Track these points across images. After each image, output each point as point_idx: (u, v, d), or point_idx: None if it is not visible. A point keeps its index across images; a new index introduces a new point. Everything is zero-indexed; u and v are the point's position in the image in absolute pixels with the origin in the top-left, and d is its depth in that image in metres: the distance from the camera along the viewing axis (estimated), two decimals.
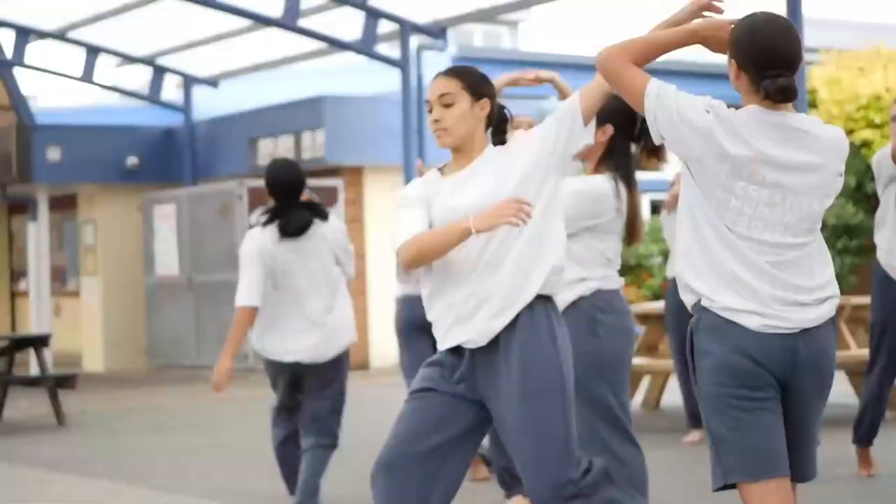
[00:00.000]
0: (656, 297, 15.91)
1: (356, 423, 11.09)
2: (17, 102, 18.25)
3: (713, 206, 3.72)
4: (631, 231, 5.31)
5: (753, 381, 3.68)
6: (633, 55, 3.80)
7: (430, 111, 4.25)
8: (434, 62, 19.04)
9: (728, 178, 3.69)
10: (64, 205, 20.06)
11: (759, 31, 3.71)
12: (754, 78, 3.70)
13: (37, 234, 18.79)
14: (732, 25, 3.78)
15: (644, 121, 3.87)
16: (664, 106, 3.71)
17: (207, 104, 19.20)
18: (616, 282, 5.26)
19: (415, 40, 15.57)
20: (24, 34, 17.16)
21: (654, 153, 5.20)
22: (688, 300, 3.83)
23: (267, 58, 18.32)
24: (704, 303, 3.75)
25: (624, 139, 5.25)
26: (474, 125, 4.26)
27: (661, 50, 3.84)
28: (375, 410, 12.02)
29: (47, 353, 12.89)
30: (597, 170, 5.27)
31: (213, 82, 18.86)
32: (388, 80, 16.42)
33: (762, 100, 3.71)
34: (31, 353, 16.58)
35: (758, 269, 3.69)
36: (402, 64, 15.20)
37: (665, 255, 15.53)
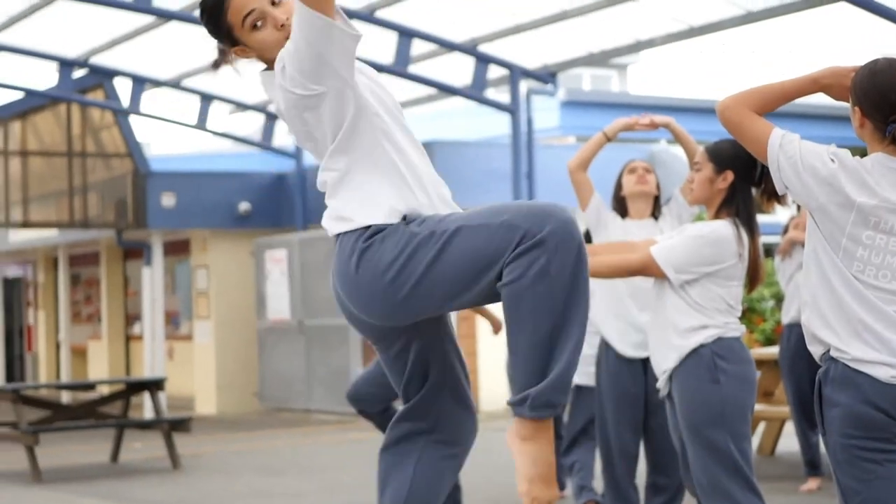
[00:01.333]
0: (769, 341, 15.72)
1: (468, 467, 11.08)
2: (133, 150, 18.59)
3: (839, 255, 3.67)
4: (752, 276, 5.26)
5: (883, 432, 3.62)
6: (755, 103, 3.77)
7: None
8: (543, 106, 19.10)
9: (854, 227, 3.65)
10: (177, 249, 20.36)
11: (881, 75, 3.67)
12: (878, 124, 3.66)
13: (151, 279, 19.07)
14: (854, 72, 3.74)
15: (764, 166, 3.84)
16: (788, 154, 3.68)
17: None
18: (737, 329, 5.22)
19: (524, 85, 15.61)
20: (140, 83, 17.49)
21: (774, 197, 5.15)
22: (815, 350, 3.77)
23: None
24: (833, 353, 3.69)
25: (744, 184, 5.21)
26: None
27: (782, 98, 3.81)
28: (485, 454, 12.00)
29: (162, 397, 13.04)
30: (717, 215, 5.24)
31: None
32: (497, 125, 16.47)
33: (887, 146, 3.66)
34: (146, 396, 16.85)
35: (887, 319, 3.64)
36: (511, 108, 15.24)
37: (777, 298, 15.35)
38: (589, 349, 7.47)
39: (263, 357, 18.37)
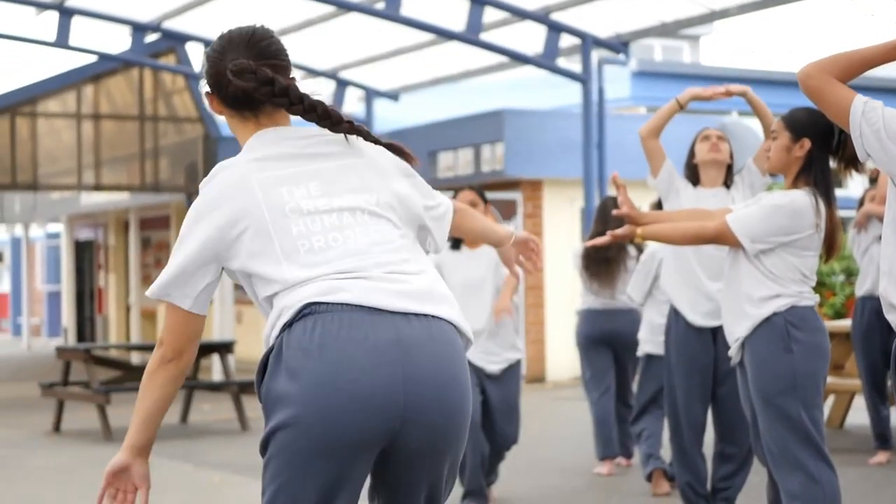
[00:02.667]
0: (838, 315, 15.59)
1: (535, 436, 11.09)
2: (204, 114, 18.71)
3: None
4: (829, 246, 5.22)
5: None
6: (836, 71, 3.74)
7: None
8: (615, 76, 19.01)
9: None
10: None
11: None
12: None
13: None
14: None
15: (842, 133, 3.81)
16: (870, 121, 3.64)
17: (388, 117, 19.42)
18: (811, 298, 5.18)
19: (596, 54, 15.53)
20: None
21: (852, 164, 5.09)
22: (893, 319, 3.74)
23: (448, 71, 18.46)
24: None
25: (822, 152, 5.16)
26: None
27: (863, 66, 3.77)
28: (554, 425, 12.01)
29: (231, 360, 13.15)
30: (794, 184, 5.20)
31: (394, 95, 19.08)
32: (568, 94, 16.40)
33: None
34: (215, 358, 16.99)
35: None
36: (583, 78, 15.17)
37: (847, 273, 15.23)
38: (659, 318, 7.47)
39: None
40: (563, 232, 16.58)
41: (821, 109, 3.81)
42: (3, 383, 18.45)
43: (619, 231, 5.42)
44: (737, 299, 5.24)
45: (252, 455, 10.20)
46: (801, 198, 5.13)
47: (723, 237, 5.21)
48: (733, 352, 5.28)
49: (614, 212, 5.47)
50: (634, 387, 8.53)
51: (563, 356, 16.31)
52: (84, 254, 27.42)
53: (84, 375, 12.20)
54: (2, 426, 12.64)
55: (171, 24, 17.46)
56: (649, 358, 7.88)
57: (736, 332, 5.23)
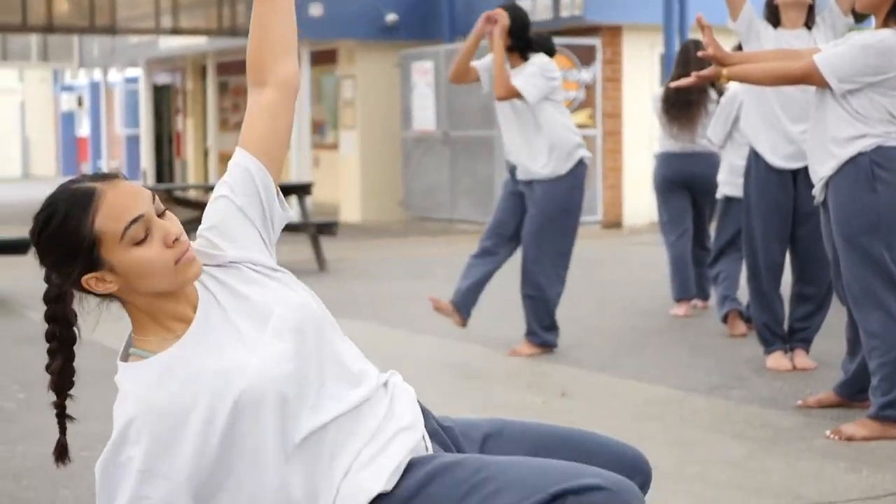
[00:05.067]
0: None
1: (612, 278, 11.15)
2: None
3: None
4: None
5: None
6: None
7: None
8: None
9: None
10: (324, 59, 20.43)
11: None
12: None
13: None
14: None
15: None
16: None
17: None
18: None
19: None
20: None
21: None
22: None
23: None
24: None
25: None
26: None
27: None
28: (629, 268, 12.05)
29: (309, 201, 13.25)
30: (885, 24, 5.11)
31: None
32: None
33: None
34: (293, 200, 17.11)
35: None
36: None
37: None
38: (738, 160, 7.42)
39: (408, 167, 18.51)
40: (642, 78, 16.45)
41: None
42: None
43: (704, 72, 5.38)
44: (822, 140, 5.19)
45: (329, 293, 10.37)
46: (891, 37, 5.04)
47: (810, 77, 5.14)
48: (817, 191, 5.25)
49: (700, 53, 5.42)
50: (711, 230, 8.52)
51: (640, 202, 16.29)
52: (162, 98, 27.56)
53: None
54: None
55: None
56: (728, 200, 7.85)
57: (820, 172, 5.20)
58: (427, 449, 2.53)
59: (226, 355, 2.43)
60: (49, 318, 2.43)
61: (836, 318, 6.64)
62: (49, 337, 2.44)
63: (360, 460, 2.46)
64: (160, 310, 2.44)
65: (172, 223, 2.41)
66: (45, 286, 2.43)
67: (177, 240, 2.38)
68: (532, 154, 7.15)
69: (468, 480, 2.42)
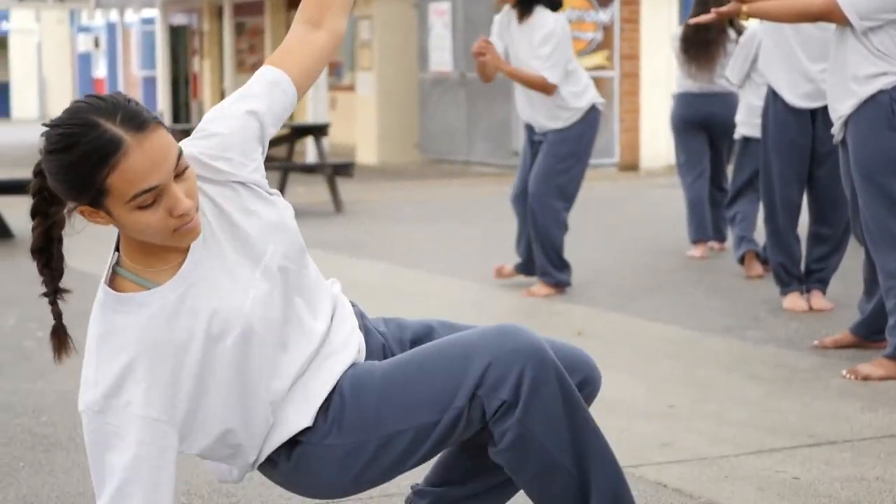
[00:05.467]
0: None
1: (628, 219, 11.14)
2: None
3: None
4: None
5: None
6: None
7: None
8: None
9: None
10: None
11: None
12: None
13: None
14: None
15: None
16: None
17: None
18: None
19: None
20: None
21: None
22: None
23: None
24: None
25: None
26: None
27: None
28: (646, 209, 12.03)
29: (325, 142, 13.23)
30: None
31: None
32: None
33: None
34: (308, 144, 17.09)
35: None
36: None
37: None
38: (757, 101, 7.38)
39: (425, 109, 18.45)
40: (660, 19, 16.33)
41: None
42: None
43: (724, 8, 5.34)
44: (842, 77, 5.15)
45: (345, 234, 10.39)
46: None
47: (830, 14, 5.10)
48: (836, 130, 5.22)
49: None
50: (729, 172, 8.49)
51: (657, 144, 16.22)
52: (178, 39, 27.49)
53: None
54: None
55: None
56: (746, 141, 7.82)
57: (840, 110, 5.16)
58: (361, 348, 2.62)
59: (223, 295, 2.42)
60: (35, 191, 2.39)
61: (853, 259, 6.63)
62: (32, 212, 2.40)
63: (294, 389, 2.52)
64: (152, 244, 2.40)
65: (187, 190, 2.34)
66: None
67: (185, 214, 2.32)
68: (542, 112, 7.15)
69: (373, 410, 2.50)
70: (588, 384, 2.68)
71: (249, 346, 2.43)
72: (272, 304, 2.46)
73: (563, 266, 7.28)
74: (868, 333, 5.56)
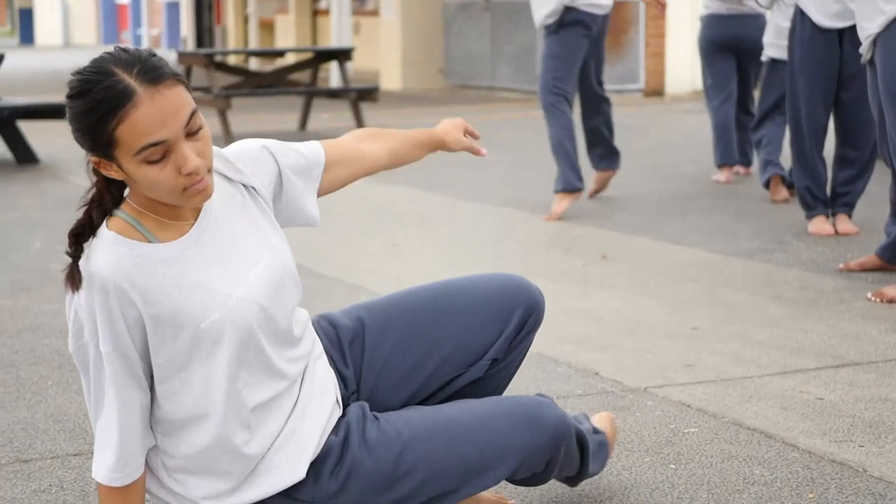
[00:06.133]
0: None
1: (654, 145, 11.10)
2: None
3: None
4: None
5: None
6: None
7: None
8: None
9: None
10: None
11: None
12: None
13: None
14: None
15: None
16: None
17: None
18: None
19: None
20: None
21: None
22: None
23: None
24: None
25: None
26: None
27: None
28: (671, 135, 11.98)
29: (349, 67, 13.19)
30: None
31: None
32: None
33: None
34: (332, 69, 17.05)
35: None
36: None
37: None
38: (785, 22, 7.31)
39: (449, 34, 18.37)
40: None
41: None
42: None
43: None
44: None
45: None
46: None
47: None
48: (864, 49, 5.17)
49: None
50: (756, 95, 8.43)
51: (683, 69, 16.12)
52: None
53: (205, 81, 12.34)
54: None
55: None
56: (773, 63, 7.76)
57: (868, 29, 5.11)
58: (338, 395, 2.60)
59: (213, 278, 2.39)
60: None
61: (879, 185, 6.60)
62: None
63: (284, 434, 2.48)
64: (162, 202, 2.38)
65: (200, 150, 2.32)
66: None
67: (193, 173, 2.30)
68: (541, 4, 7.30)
69: (388, 476, 2.51)
70: (534, 309, 2.77)
71: (223, 338, 2.39)
72: (257, 311, 2.42)
73: (572, 169, 7.41)
74: (894, 256, 5.54)
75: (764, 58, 7.90)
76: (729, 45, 8.42)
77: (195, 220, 2.42)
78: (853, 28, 5.48)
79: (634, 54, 16.16)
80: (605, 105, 7.61)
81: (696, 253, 6.24)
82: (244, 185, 2.52)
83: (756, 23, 8.28)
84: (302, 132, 12.63)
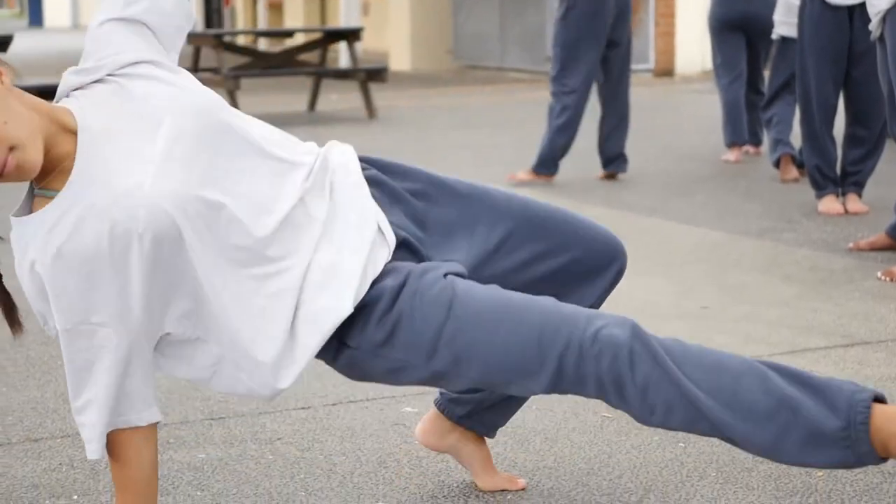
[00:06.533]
0: None
1: (664, 125, 11.08)
2: None
3: None
4: None
5: None
6: None
7: None
8: None
9: None
10: None
11: None
12: None
13: None
14: None
15: None
16: None
17: None
18: None
19: None
20: None
21: None
22: None
23: None
24: None
25: None
26: None
27: None
28: (681, 115, 11.96)
29: (358, 47, 13.17)
30: None
31: None
32: None
33: None
34: (340, 50, 17.03)
35: None
36: None
37: None
38: None
39: (458, 14, 18.33)
40: None
41: None
42: None
43: None
44: None
45: (378, 140, 10.37)
46: None
47: None
48: (874, 25, 5.15)
49: None
50: (766, 74, 8.40)
51: (693, 49, 16.08)
52: None
53: (214, 62, 12.33)
54: None
55: None
56: (784, 41, 7.73)
57: (878, 5, 5.09)
58: (386, 239, 2.41)
59: (118, 181, 2.23)
60: None
61: (889, 164, 6.58)
62: None
63: (312, 280, 2.32)
64: (47, 149, 2.26)
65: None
66: None
67: None
68: None
69: (432, 339, 2.31)
70: (622, 270, 2.79)
71: (173, 230, 2.23)
72: (182, 181, 2.24)
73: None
74: None
75: (774, 36, 7.87)
76: (739, 22, 8.38)
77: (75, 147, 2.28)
78: (863, 5, 5.46)
79: (644, 34, 16.12)
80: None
81: (706, 233, 6.23)
82: (110, 75, 2.37)
83: (766, 0, 8.24)
84: (311, 112, 12.62)
